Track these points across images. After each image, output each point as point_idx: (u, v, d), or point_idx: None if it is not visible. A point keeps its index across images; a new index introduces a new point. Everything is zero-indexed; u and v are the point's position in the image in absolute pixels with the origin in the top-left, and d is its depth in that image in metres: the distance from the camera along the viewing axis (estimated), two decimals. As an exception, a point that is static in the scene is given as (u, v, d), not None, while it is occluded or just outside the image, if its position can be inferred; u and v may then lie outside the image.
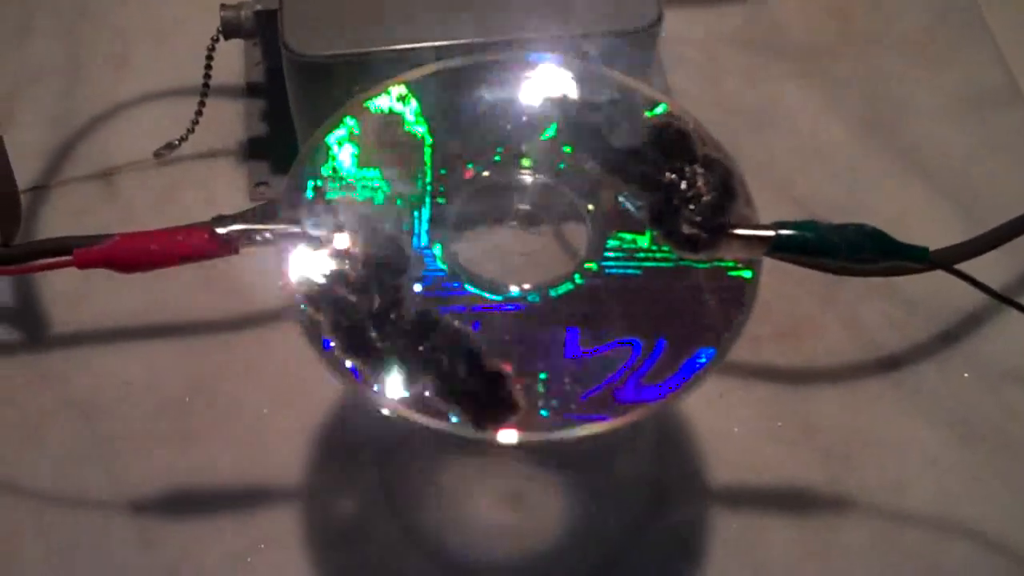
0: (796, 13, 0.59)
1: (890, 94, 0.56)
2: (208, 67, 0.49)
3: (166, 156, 0.51)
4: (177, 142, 0.51)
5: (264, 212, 0.44)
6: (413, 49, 0.44)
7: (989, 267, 0.46)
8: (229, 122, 0.53)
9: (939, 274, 0.38)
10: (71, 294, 0.47)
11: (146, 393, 0.46)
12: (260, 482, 0.44)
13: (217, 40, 0.48)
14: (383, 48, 0.44)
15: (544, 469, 0.44)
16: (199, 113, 0.50)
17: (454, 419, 0.31)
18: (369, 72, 0.43)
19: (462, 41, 0.44)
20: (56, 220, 0.50)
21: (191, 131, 0.51)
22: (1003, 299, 0.38)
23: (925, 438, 0.46)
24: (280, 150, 0.52)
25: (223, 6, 0.47)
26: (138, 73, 0.55)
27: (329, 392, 0.46)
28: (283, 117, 0.51)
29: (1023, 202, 0.49)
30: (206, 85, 0.49)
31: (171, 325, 0.47)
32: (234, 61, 0.55)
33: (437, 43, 0.44)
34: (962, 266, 0.42)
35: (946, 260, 0.41)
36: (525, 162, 0.36)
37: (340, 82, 0.44)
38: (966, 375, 0.48)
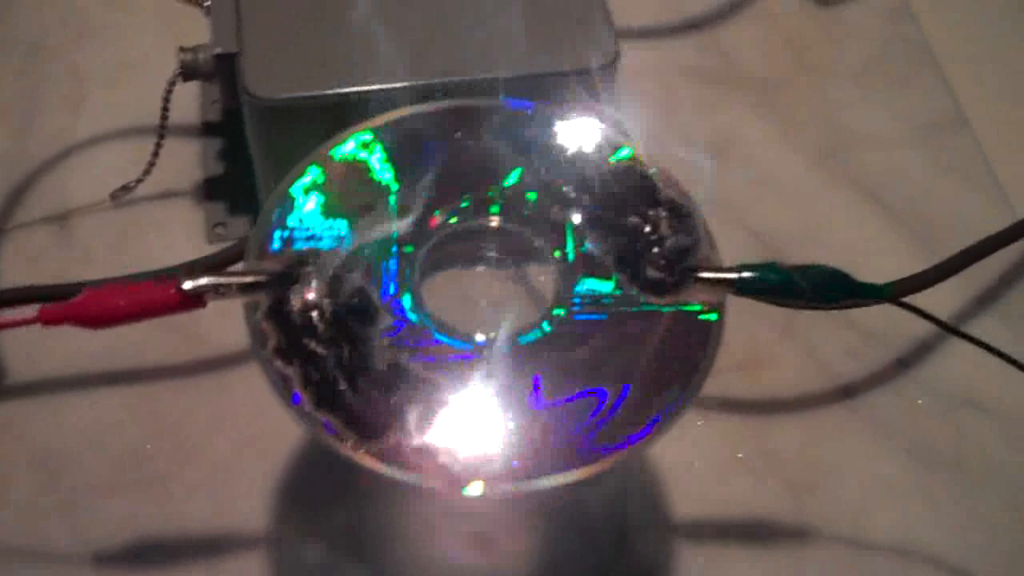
0: (749, 44, 0.59)
1: (843, 123, 0.57)
2: (165, 109, 0.48)
3: (123, 198, 0.51)
4: (134, 183, 0.51)
5: (228, 256, 0.44)
6: (374, 91, 0.43)
7: (943, 293, 0.47)
8: (186, 162, 0.53)
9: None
10: (26, 342, 0.47)
11: (107, 441, 0.45)
12: (226, 529, 0.44)
13: (175, 83, 0.47)
14: (344, 91, 0.43)
15: (510, 509, 0.44)
16: (155, 154, 0.50)
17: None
18: (331, 115, 0.43)
19: (422, 82, 0.44)
20: (11, 266, 0.49)
21: (148, 172, 0.50)
22: (957, 333, 0.39)
23: (884, 466, 0.47)
24: (238, 190, 0.52)
25: (182, 49, 0.47)
26: (94, 114, 0.55)
27: (293, 436, 0.45)
28: (240, 157, 0.51)
29: (976, 226, 0.50)
30: (163, 127, 0.49)
31: (131, 371, 0.47)
32: (190, 100, 0.54)
33: (398, 84, 0.44)
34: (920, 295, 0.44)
35: (905, 291, 0.42)
36: (492, 208, 0.37)
37: (302, 125, 0.44)
38: (921, 402, 0.48)
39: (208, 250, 0.50)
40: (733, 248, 0.51)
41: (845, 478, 0.46)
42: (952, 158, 0.56)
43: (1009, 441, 0.47)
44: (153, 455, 0.45)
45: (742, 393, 0.48)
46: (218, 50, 0.45)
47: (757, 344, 0.49)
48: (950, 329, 0.39)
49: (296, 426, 0.32)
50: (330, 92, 0.44)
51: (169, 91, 0.48)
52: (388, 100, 0.43)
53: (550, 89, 0.44)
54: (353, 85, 0.44)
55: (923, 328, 0.49)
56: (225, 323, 0.47)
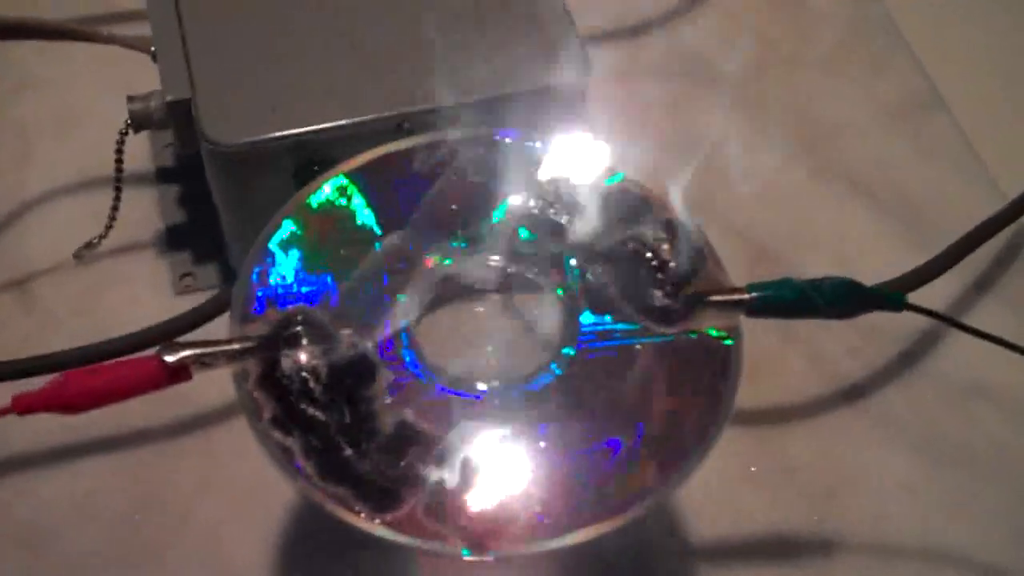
0: (714, 39, 0.58)
1: (818, 114, 0.56)
2: (119, 161, 0.46)
3: (86, 256, 0.48)
4: (97, 240, 0.48)
5: (214, 306, 0.41)
6: (339, 127, 0.41)
7: (942, 281, 0.46)
8: (144, 212, 0.51)
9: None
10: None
11: (92, 514, 0.43)
12: (226, 596, 0.42)
13: (126, 133, 0.45)
14: (307, 129, 0.41)
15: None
16: (115, 208, 0.47)
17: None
18: (296, 154, 0.41)
19: (389, 113, 0.42)
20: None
21: (110, 227, 0.48)
22: (973, 332, 0.38)
23: (899, 466, 0.45)
24: (200, 237, 0.50)
25: (130, 98, 0.44)
26: (42, 169, 0.52)
27: (286, 492, 0.43)
28: (200, 202, 0.49)
29: (962, 208, 0.49)
30: (119, 179, 0.47)
31: (111, 437, 0.45)
32: (140, 147, 0.52)
33: (362, 118, 0.42)
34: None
35: (910, 287, 0.41)
36: (485, 246, 0.35)
37: (266, 168, 0.42)
38: (929, 396, 0.47)
39: (176, 302, 0.48)
40: (720, 253, 0.50)
41: (862, 483, 0.45)
42: (932, 140, 0.55)
43: (1023, 430, 0.46)
44: (142, 524, 0.43)
45: (748, 403, 0.46)
46: (170, 97, 0.43)
47: (757, 351, 0.47)
48: (965, 328, 0.37)
49: (301, 496, 0.30)
50: (293, 132, 0.41)
51: (121, 142, 0.46)
52: (353, 136, 0.41)
53: (520, 111, 0.42)
54: (316, 123, 0.42)
55: (923, 321, 0.48)
56: (205, 379, 0.45)
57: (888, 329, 0.48)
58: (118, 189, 0.47)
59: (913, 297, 0.41)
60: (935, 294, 0.48)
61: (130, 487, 0.44)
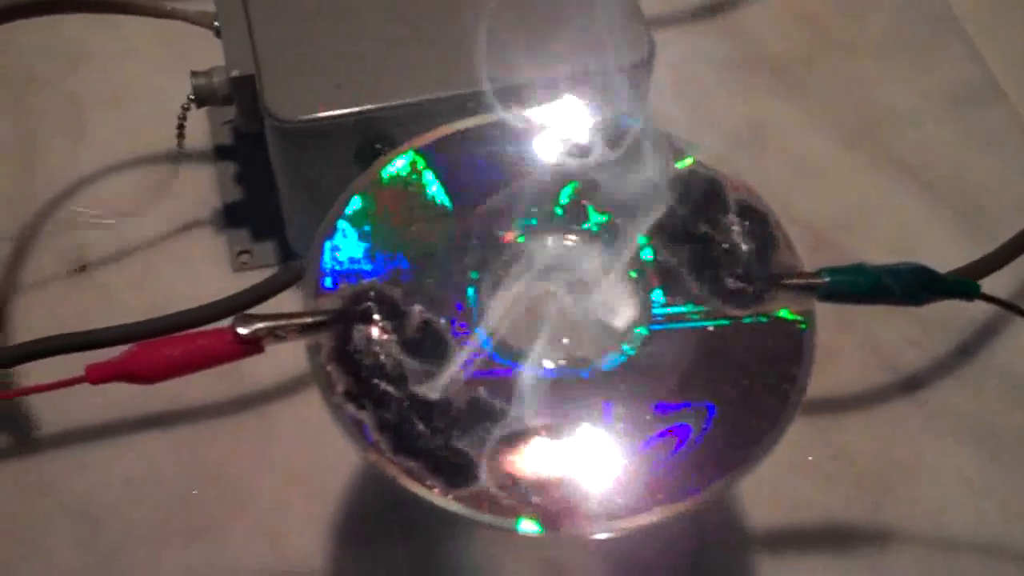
0: (770, 26, 0.58)
1: (873, 101, 0.55)
2: (181, 135, 0.46)
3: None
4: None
5: (278, 282, 0.41)
6: (403, 105, 0.41)
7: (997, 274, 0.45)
8: (201, 190, 0.51)
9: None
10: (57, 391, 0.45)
11: (150, 489, 0.43)
12: (283, 572, 0.42)
13: (188, 108, 0.45)
14: (371, 107, 0.41)
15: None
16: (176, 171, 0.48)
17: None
18: (359, 132, 0.41)
19: (452, 92, 0.42)
20: (28, 313, 0.47)
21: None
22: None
23: (958, 458, 0.45)
24: (258, 215, 0.50)
25: (193, 73, 0.44)
26: (97, 144, 0.52)
27: (345, 469, 0.43)
28: (258, 180, 0.49)
29: (1019, 197, 0.49)
30: (180, 151, 0.47)
31: (168, 414, 0.45)
32: (199, 125, 0.52)
33: (428, 96, 0.42)
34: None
35: (977, 275, 0.40)
36: (558, 224, 0.35)
37: (328, 145, 0.42)
38: (989, 389, 0.47)
39: (234, 279, 0.48)
40: (793, 243, 0.50)
41: (920, 475, 0.45)
42: (988, 129, 0.55)
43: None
44: (201, 500, 0.43)
45: (807, 392, 0.46)
46: (234, 72, 0.43)
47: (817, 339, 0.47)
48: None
49: (350, 460, 0.30)
50: (357, 109, 0.41)
51: (183, 117, 0.46)
52: (417, 114, 0.41)
53: (582, 92, 0.42)
54: (380, 100, 0.41)
55: (981, 312, 0.48)
56: (261, 358, 0.45)
57: (947, 320, 0.48)
58: (178, 161, 0.47)
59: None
60: (988, 284, 0.47)
61: (187, 464, 0.44)
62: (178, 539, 0.42)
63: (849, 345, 0.47)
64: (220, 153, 0.52)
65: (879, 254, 0.49)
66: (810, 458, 0.45)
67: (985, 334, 0.48)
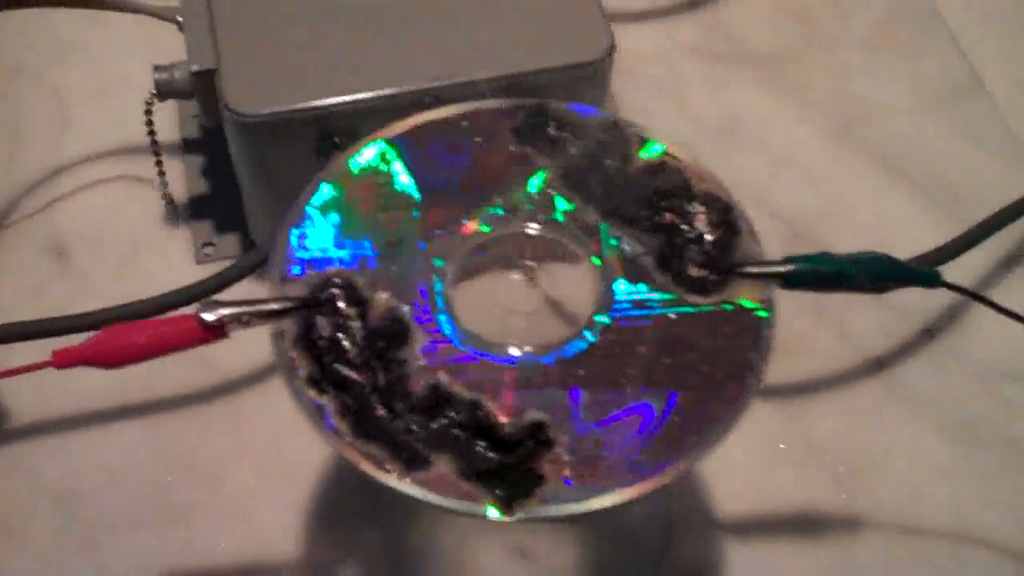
0: (754, 19, 0.58)
1: (856, 95, 0.55)
2: (151, 131, 0.46)
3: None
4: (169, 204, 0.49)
5: (241, 271, 0.42)
6: (361, 101, 0.41)
7: (971, 259, 0.46)
8: (173, 182, 0.51)
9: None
10: (31, 379, 0.45)
11: (125, 476, 0.44)
12: (256, 558, 0.42)
13: (152, 103, 0.45)
14: (329, 102, 0.41)
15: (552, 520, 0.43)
16: (162, 174, 0.48)
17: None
18: (317, 127, 0.42)
19: (411, 88, 0.42)
20: (8, 302, 0.47)
21: (168, 194, 0.49)
22: (1010, 314, 0.37)
23: (930, 446, 0.45)
24: (223, 208, 0.50)
25: (156, 67, 0.44)
26: (79, 135, 0.53)
27: (317, 456, 0.44)
28: (223, 173, 0.49)
29: (1000, 191, 0.49)
30: (156, 147, 0.47)
31: (143, 402, 0.45)
32: (167, 118, 0.52)
33: (385, 92, 0.42)
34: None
35: (938, 262, 0.41)
36: (523, 213, 0.35)
37: (288, 140, 0.42)
38: (962, 377, 0.47)
39: (198, 270, 0.48)
40: (756, 232, 0.50)
41: (892, 462, 0.45)
42: (971, 123, 0.55)
43: (1055, 413, 0.46)
44: (175, 486, 0.44)
45: (778, 381, 0.46)
46: (195, 67, 0.43)
47: (790, 329, 0.48)
48: (999, 308, 0.37)
49: (322, 447, 0.30)
50: (315, 104, 0.41)
51: (148, 111, 0.46)
52: (376, 110, 0.41)
53: (543, 86, 0.42)
54: (338, 95, 0.41)
55: (956, 300, 0.48)
56: (234, 345, 0.45)
57: (920, 309, 0.48)
58: (158, 159, 0.48)
59: (944, 274, 0.41)
60: (967, 273, 0.48)
61: (162, 451, 0.44)
62: (152, 524, 0.43)
63: (822, 334, 0.48)
64: (188, 146, 0.52)
65: (857, 246, 0.49)
66: (782, 446, 0.45)
67: (957, 323, 0.48)
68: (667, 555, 0.43)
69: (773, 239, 0.50)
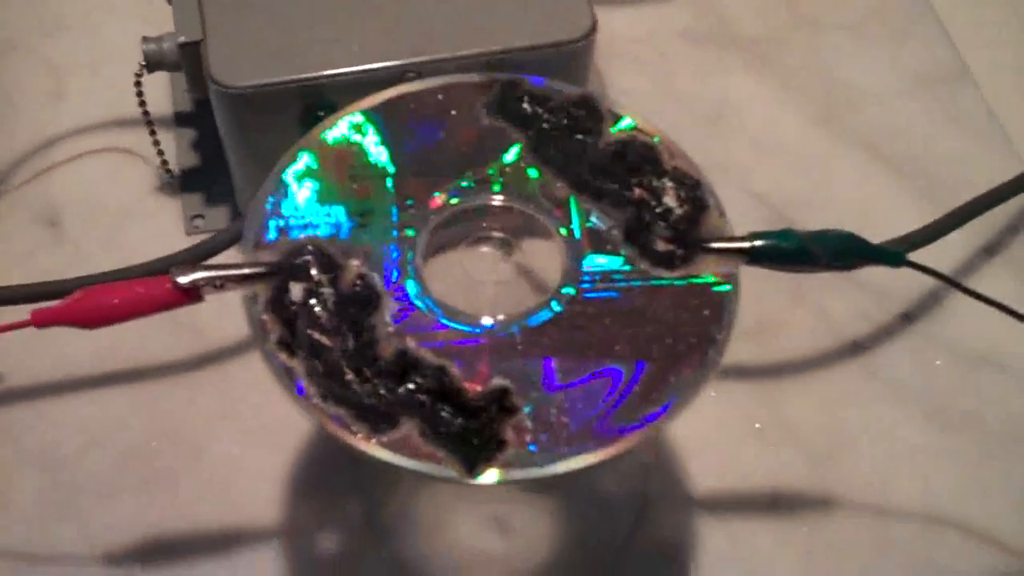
0: (743, 2, 0.58)
1: (842, 79, 0.56)
2: (142, 103, 0.47)
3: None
4: (169, 178, 0.50)
5: (218, 244, 0.43)
6: (343, 74, 0.42)
7: (952, 245, 0.46)
8: (166, 154, 0.51)
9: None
10: (20, 344, 0.45)
11: (109, 441, 0.44)
12: (237, 524, 0.43)
13: (141, 74, 0.46)
14: (312, 75, 0.42)
15: (527, 491, 0.44)
16: (156, 144, 0.49)
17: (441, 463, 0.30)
18: (300, 100, 0.42)
19: (392, 64, 0.42)
20: (2, 266, 0.48)
21: (165, 163, 0.50)
22: (972, 293, 0.38)
23: (905, 429, 0.46)
24: (213, 180, 0.51)
25: (144, 39, 0.45)
26: (73, 107, 0.53)
27: (301, 425, 0.44)
28: (213, 147, 0.50)
29: (983, 177, 0.49)
30: (148, 120, 0.48)
31: (130, 369, 0.46)
32: (160, 90, 0.53)
33: (367, 67, 0.42)
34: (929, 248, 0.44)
35: (914, 245, 0.41)
36: (494, 187, 0.36)
37: (271, 112, 0.43)
38: (939, 362, 0.48)
39: (187, 242, 0.49)
40: (738, 214, 0.50)
41: (865, 444, 0.45)
42: (955, 109, 0.55)
43: (1030, 398, 0.47)
44: (158, 453, 0.44)
45: (755, 361, 0.47)
46: (181, 39, 0.44)
47: (767, 310, 0.48)
48: (964, 289, 0.38)
49: (304, 418, 0.31)
50: (298, 77, 0.42)
51: (138, 83, 0.47)
52: (358, 83, 0.42)
53: (525, 64, 0.42)
54: (321, 69, 0.42)
55: (935, 285, 0.49)
56: (223, 315, 0.46)
57: (899, 293, 0.49)
58: (152, 130, 0.48)
59: (923, 259, 0.42)
60: (946, 259, 0.48)
61: (147, 418, 0.45)
62: (134, 490, 0.43)
63: (800, 316, 0.48)
64: (180, 119, 0.53)
65: (838, 230, 0.50)
66: (757, 425, 0.46)
67: (937, 308, 0.49)
68: (641, 529, 0.43)
69: (757, 221, 0.50)
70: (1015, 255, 0.50)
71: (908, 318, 0.48)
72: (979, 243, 0.50)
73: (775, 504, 0.44)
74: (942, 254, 0.47)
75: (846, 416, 0.46)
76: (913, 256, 0.43)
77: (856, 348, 0.48)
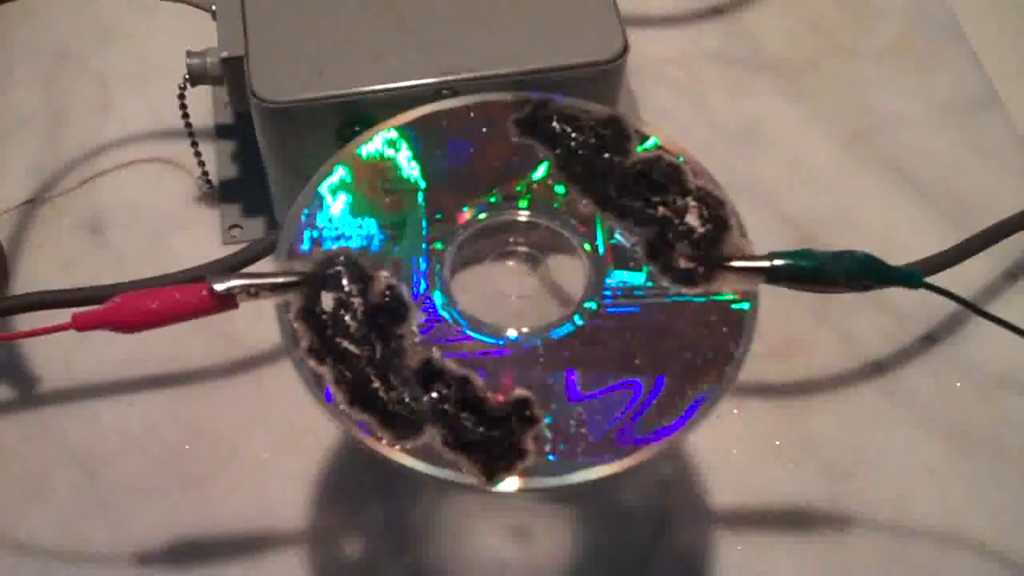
0: (774, 27, 0.59)
1: (872, 105, 0.56)
2: (185, 115, 0.48)
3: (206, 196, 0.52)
4: (208, 188, 0.52)
5: (254, 254, 0.44)
6: (381, 91, 0.43)
7: (974, 269, 0.47)
8: (207, 165, 0.53)
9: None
10: (62, 347, 0.47)
11: (145, 443, 0.46)
12: (265, 527, 0.44)
13: (185, 87, 0.47)
14: (351, 91, 0.43)
15: (548, 501, 0.45)
16: (198, 155, 0.50)
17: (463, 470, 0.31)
18: (339, 116, 0.43)
19: (428, 81, 0.43)
20: (45, 273, 0.50)
21: (206, 174, 0.51)
22: (988, 316, 0.38)
23: (923, 449, 0.46)
24: (250, 193, 0.52)
25: (189, 53, 0.46)
26: (120, 118, 0.55)
27: (330, 432, 0.46)
28: (252, 159, 0.51)
29: (1010, 206, 0.50)
30: (191, 132, 0.49)
31: (167, 373, 0.47)
32: (203, 103, 0.55)
33: (405, 84, 0.43)
34: (951, 271, 0.44)
35: (933, 269, 0.42)
36: (521, 203, 0.37)
37: (310, 127, 0.44)
38: (959, 384, 0.48)
39: (224, 251, 0.50)
40: (765, 234, 0.51)
41: (884, 464, 0.46)
42: (984, 137, 0.56)
43: (1051, 421, 0.47)
44: (192, 456, 0.46)
45: (778, 379, 0.48)
46: (224, 53, 0.45)
47: (791, 329, 0.49)
48: (981, 312, 0.38)
49: (332, 423, 0.32)
50: (337, 93, 0.43)
51: (182, 96, 0.48)
52: (395, 100, 0.43)
53: (557, 84, 0.43)
54: (359, 86, 0.43)
55: (957, 308, 0.49)
56: (259, 323, 0.47)
57: (922, 316, 0.49)
58: (194, 142, 0.50)
59: (945, 281, 0.42)
60: (965, 280, 0.49)
61: (182, 421, 0.46)
62: (169, 491, 0.45)
63: (823, 335, 0.49)
64: (220, 132, 0.54)
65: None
66: (777, 443, 0.46)
67: (959, 330, 0.49)
68: (660, 542, 0.44)
69: (783, 242, 0.51)
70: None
71: (930, 340, 0.49)
72: (1002, 267, 0.51)
73: (793, 521, 0.45)
74: (965, 277, 0.47)
75: (866, 435, 0.47)
76: (936, 278, 0.44)
77: (878, 368, 0.48)
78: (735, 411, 0.47)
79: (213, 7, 0.46)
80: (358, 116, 0.43)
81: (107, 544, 0.44)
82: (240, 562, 0.43)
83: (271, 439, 0.46)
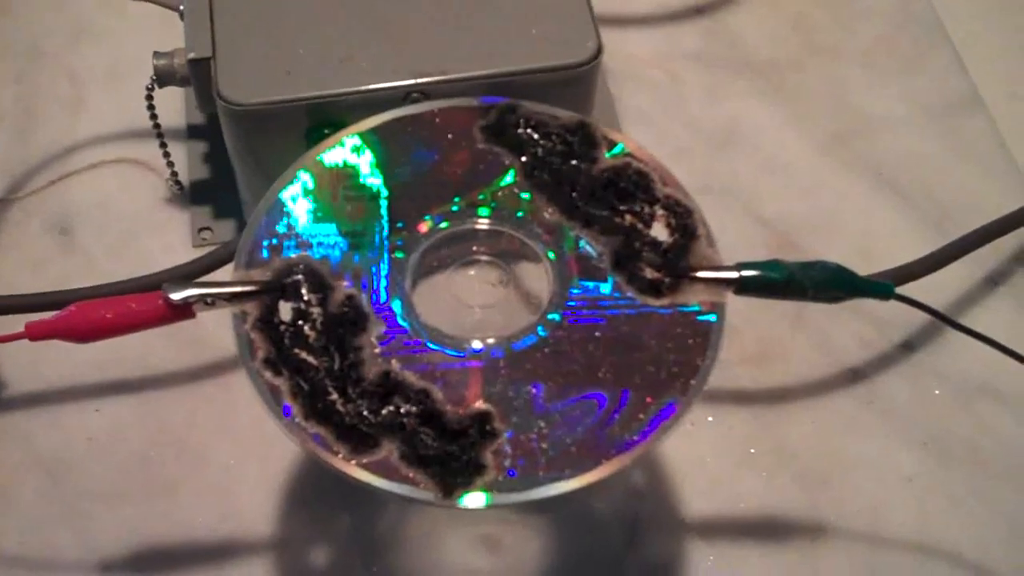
0: (756, 28, 0.58)
1: (854, 106, 0.56)
2: (153, 116, 0.48)
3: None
4: (177, 190, 0.51)
5: (215, 260, 0.43)
6: (348, 94, 0.42)
7: (954, 275, 0.46)
8: (177, 166, 0.52)
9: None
10: (27, 352, 0.46)
11: (111, 449, 0.45)
12: (231, 534, 0.43)
13: (152, 88, 0.47)
14: (318, 94, 0.42)
15: (518, 511, 0.44)
16: (167, 155, 0.50)
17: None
18: (305, 118, 0.43)
19: (396, 84, 0.43)
20: (13, 273, 0.49)
21: (175, 175, 0.50)
22: (958, 327, 0.38)
23: (900, 458, 0.46)
24: (221, 195, 0.51)
25: (156, 54, 0.46)
26: (91, 117, 0.54)
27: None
28: (223, 161, 0.50)
29: (991, 209, 0.49)
30: (159, 133, 0.49)
31: (133, 379, 0.47)
32: (174, 103, 0.54)
33: (372, 87, 0.42)
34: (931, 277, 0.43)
35: (908, 277, 0.41)
36: (483, 211, 0.36)
37: (277, 129, 0.43)
38: (937, 392, 0.47)
39: (194, 254, 0.49)
40: (744, 238, 0.51)
41: (860, 472, 0.45)
42: (967, 140, 0.55)
43: (1026, 429, 0.46)
44: (158, 461, 0.45)
45: (753, 386, 0.47)
46: (191, 55, 0.44)
47: (767, 337, 0.48)
48: (954, 324, 0.38)
49: (285, 435, 0.32)
50: (304, 96, 0.42)
51: (149, 97, 0.47)
52: (363, 103, 0.42)
53: (530, 87, 0.43)
54: (327, 88, 0.42)
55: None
56: (228, 328, 0.46)
57: (899, 322, 0.49)
58: (163, 143, 0.49)
59: (925, 288, 0.42)
60: (945, 286, 0.48)
61: (149, 426, 0.46)
62: (135, 496, 0.44)
63: (800, 342, 0.48)
64: (192, 132, 0.54)
65: (843, 258, 0.50)
66: (752, 451, 0.46)
67: (936, 338, 0.48)
68: (632, 551, 0.43)
69: (761, 247, 0.51)
70: (1018, 285, 0.50)
71: (908, 347, 0.48)
72: (983, 273, 0.50)
73: (767, 529, 0.44)
74: (945, 283, 0.47)
75: (842, 443, 0.46)
76: (916, 285, 0.44)
77: (855, 376, 0.48)
78: (710, 418, 0.46)
79: (181, 7, 0.45)
80: (326, 118, 0.42)
81: (72, 550, 0.43)
82: (206, 570, 0.43)
83: (238, 446, 0.45)
